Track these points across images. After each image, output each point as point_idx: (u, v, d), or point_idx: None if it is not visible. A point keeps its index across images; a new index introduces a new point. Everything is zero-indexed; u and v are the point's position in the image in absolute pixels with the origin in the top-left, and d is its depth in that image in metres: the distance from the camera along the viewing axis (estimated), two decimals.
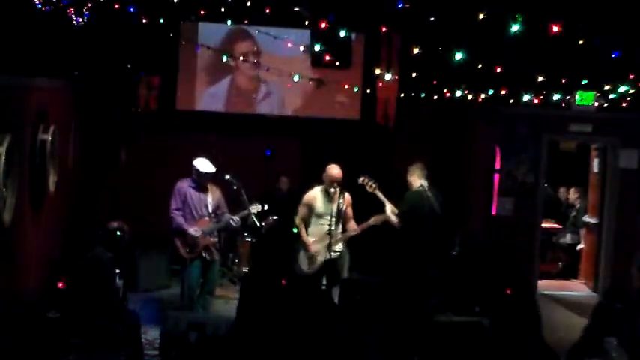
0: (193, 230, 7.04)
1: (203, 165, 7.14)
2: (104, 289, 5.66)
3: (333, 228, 6.87)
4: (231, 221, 7.25)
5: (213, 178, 7.29)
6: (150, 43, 9.17)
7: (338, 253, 7.01)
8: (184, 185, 7.18)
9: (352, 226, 7.13)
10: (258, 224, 7.91)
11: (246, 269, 8.80)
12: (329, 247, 6.88)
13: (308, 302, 4.56)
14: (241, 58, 9.46)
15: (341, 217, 7.01)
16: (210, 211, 7.20)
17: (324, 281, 6.97)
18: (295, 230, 7.14)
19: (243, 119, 10.04)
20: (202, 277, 7.27)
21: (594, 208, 9.77)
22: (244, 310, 4.35)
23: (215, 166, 7.19)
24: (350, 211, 7.15)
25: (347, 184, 7.11)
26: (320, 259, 6.96)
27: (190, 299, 7.23)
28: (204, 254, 7.18)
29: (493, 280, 8.07)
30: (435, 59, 7.09)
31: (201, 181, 7.14)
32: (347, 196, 7.06)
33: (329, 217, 6.91)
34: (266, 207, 7.67)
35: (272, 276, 4.35)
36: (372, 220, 7.10)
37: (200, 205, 7.18)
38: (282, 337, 4.25)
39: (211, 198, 7.23)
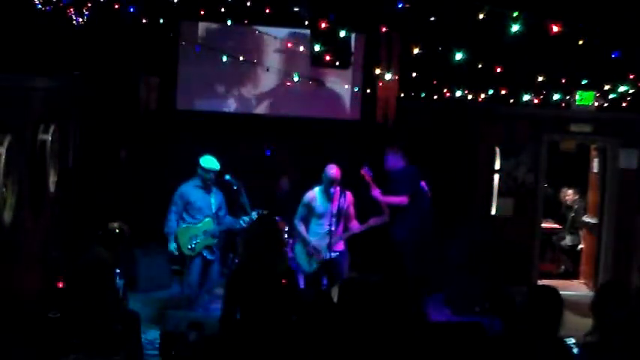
0: (173, 245, 7.10)
1: (209, 162, 7.15)
2: (104, 289, 5.65)
3: (333, 228, 6.87)
4: (241, 222, 7.26)
5: (215, 180, 7.30)
6: (150, 43, 9.17)
7: (337, 253, 7.01)
8: (188, 187, 7.20)
9: (354, 225, 7.15)
10: None
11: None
12: (329, 247, 6.89)
13: (307, 302, 4.56)
14: (241, 57, 9.46)
15: (342, 216, 7.02)
16: (213, 210, 7.22)
17: (325, 281, 6.98)
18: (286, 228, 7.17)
19: (243, 119, 10.03)
20: (202, 277, 7.27)
21: (594, 208, 9.77)
22: (231, 303, 4.36)
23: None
24: (352, 211, 7.16)
25: (347, 183, 7.13)
26: (320, 258, 6.97)
27: (190, 299, 7.24)
28: (205, 253, 7.20)
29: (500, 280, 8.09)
30: (435, 59, 7.09)
31: (207, 179, 7.15)
32: (348, 195, 7.08)
33: (329, 217, 6.92)
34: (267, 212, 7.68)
35: (263, 271, 4.35)
36: (372, 221, 7.14)
37: (205, 205, 7.20)
38: (282, 336, 4.25)
39: (214, 199, 7.25)
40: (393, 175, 7.61)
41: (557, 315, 3.56)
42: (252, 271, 4.37)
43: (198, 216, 7.16)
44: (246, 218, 7.26)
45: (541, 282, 9.56)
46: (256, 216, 7.32)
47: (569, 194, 10.58)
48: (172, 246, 7.13)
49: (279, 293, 4.35)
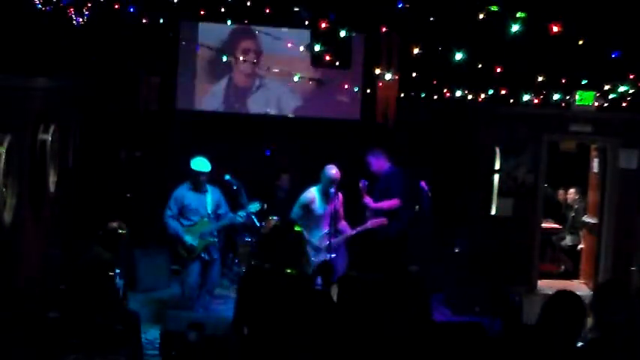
0: (190, 237, 7.07)
1: (199, 164, 7.15)
2: (104, 289, 5.66)
3: (331, 229, 6.86)
4: (238, 218, 7.25)
5: (213, 179, 7.30)
6: (150, 43, 9.17)
7: (335, 254, 6.99)
8: (182, 190, 7.19)
9: (344, 225, 7.14)
10: (257, 224, 7.91)
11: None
12: (328, 248, 6.87)
13: (307, 302, 4.56)
14: (241, 57, 9.47)
15: (336, 217, 7.01)
16: (209, 211, 7.21)
17: (319, 281, 6.94)
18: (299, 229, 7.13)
19: (243, 119, 10.03)
20: (202, 278, 7.27)
21: (594, 208, 9.76)
22: (243, 307, 4.35)
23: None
24: (342, 211, 7.17)
25: (345, 183, 7.13)
26: (317, 259, 6.93)
27: (190, 299, 7.23)
28: (203, 255, 7.19)
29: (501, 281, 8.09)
30: (435, 59, 7.09)
31: (198, 181, 7.15)
32: (340, 196, 7.08)
33: (327, 218, 6.90)
34: (265, 206, 7.67)
35: (273, 275, 4.34)
36: (370, 223, 7.15)
37: (199, 206, 7.19)
38: (282, 336, 4.25)
39: (210, 198, 7.24)
40: (381, 178, 7.62)
41: (579, 322, 3.56)
42: (268, 275, 4.34)
43: (194, 218, 7.16)
44: (242, 213, 7.25)
45: (541, 282, 9.57)
46: (254, 209, 7.31)
47: (570, 193, 10.58)
48: (189, 238, 7.09)
49: (290, 298, 4.32)
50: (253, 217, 7.58)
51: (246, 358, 4.37)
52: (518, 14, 5.16)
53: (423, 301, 4.40)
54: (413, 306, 4.28)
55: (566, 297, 3.65)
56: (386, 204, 7.39)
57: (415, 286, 4.43)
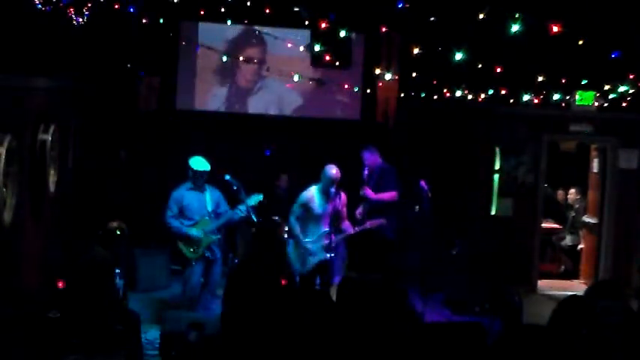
0: (195, 231, 7.07)
1: (198, 163, 7.15)
2: (104, 289, 5.65)
3: (330, 228, 6.85)
4: (238, 212, 7.24)
5: (212, 179, 7.29)
6: (150, 43, 9.17)
7: (334, 254, 6.98)
8: (181, 191, 7.19)
9: (347, 225, 7.14)
10: (255, 220, 7.89)
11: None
12: (328, 248, 6.86)
13: (306, 302, 4.55)
14: (241, 58, 9.47)
15: (337, 216, 7.01)
16: (209, 210, 7.22)
17: (318, 281, 6.95)
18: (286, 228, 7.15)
19: (243, 119, 10.03)
20: (204, 277, 7.28)
21: (594, 208, 9.77)
22: (230, 306, 4.34)
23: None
24: (345, 211, 7.16)
25: (345, 183, 7.13)
26: (316, 259, 6.93)
27: (191, 299, 7.24)
28: (207, 254, 7.20)
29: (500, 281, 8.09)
30: (435, 59, 7.10)
31: (198, 180, 7.15)
32: (343, 196, 7.07)
33: (327, 218, 6.90)
34: (266, 201, 7.66)
35: (262, 273, 4.34)
36: (369, 224, 7.15)
37: (200, 206, 7.19)
38: (280, 336, 4.24)
39: (209, 197, 7.25)
40: (374, 173, 7.66)
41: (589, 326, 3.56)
42: (252, 271, 4.36)
43: (195, 217, 7.17)
44: (242, 207, 7.24)
45: (541, 282, 9.57)
46: (255, 201, 7.31)
47: (570, 193, 10.59)
48: (193, 231, 7.09)
49: (277, 294, 4.33)
50: (251, 213, 7.55)
51: (240, 358, 4.36)
52: (518, 14, 5.17)
53: (400, 300, 4.41)
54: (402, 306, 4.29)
55: (577, 302, 3.65)
56: (385, 195, 7.46)
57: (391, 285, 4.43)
